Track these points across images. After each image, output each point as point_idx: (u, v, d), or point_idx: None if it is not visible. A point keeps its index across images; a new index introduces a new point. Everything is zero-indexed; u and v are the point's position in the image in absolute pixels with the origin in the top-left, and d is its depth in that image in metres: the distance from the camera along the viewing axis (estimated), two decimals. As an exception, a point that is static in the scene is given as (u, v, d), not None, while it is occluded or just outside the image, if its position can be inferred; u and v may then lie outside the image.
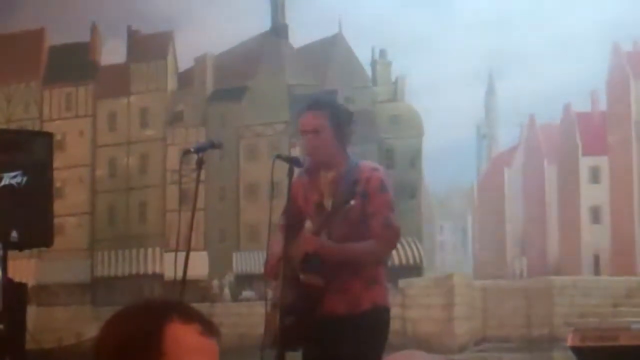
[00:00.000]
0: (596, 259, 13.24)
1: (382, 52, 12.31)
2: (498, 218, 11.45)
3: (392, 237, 6.57)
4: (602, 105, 12.23)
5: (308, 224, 6.76)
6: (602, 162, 12.19)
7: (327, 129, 6.65)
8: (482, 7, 11.02)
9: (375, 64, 12.36)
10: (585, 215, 12.42)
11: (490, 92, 11.06)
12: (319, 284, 6.46)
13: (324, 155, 6.64)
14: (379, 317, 6.55)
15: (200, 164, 6.62)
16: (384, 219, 6.43)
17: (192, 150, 6.50)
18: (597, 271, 13.93)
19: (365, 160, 7.26)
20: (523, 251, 11.31)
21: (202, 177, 11.33)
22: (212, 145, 6.92)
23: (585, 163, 12.11)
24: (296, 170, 6.62)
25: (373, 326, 6.49)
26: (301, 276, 6.45)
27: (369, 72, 12.37)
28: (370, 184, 6.51)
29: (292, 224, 6.76)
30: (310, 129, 6.64)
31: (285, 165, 6.51)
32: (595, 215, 12.55)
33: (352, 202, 6.34)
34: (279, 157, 6.50)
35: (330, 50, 12.48)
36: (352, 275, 6.51)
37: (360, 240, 6.48)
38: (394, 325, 12.19)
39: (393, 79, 12.29)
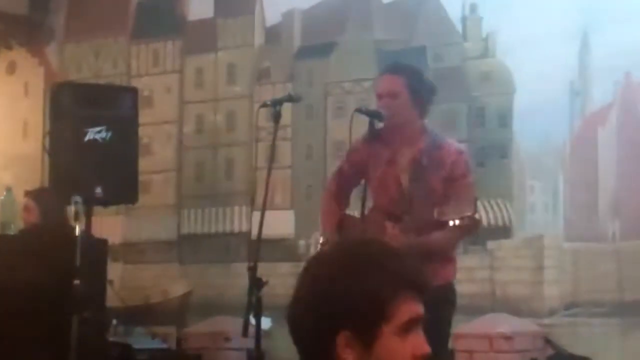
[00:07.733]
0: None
1: (473, 7, 12.02)
2: (591, 178, 11.02)
3: (471, 227, 6.31)
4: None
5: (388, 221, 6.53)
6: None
7: (404, 94, 6.49)
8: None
9: (466, 19, 12.03)
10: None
11: (584, 48, 10.58)
12: None
13: (399, 119, 6.51)
14: (450, 291, 6.72)
15: (277, 117, 6.33)
16: None
17: (268, 103, 6.34)
18: (695, 234, 13.64)
19: (448, 131, 7.31)
20: (616, 212, 10.90)
21: (289, 135, 11.46)
22: (290, 99, 6.77)
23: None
24: (365, 136, 6.59)
25: (446, 299, 6.64)
26: None
27: (458, 28, 11.87)
28: (456, 170, 6.46)
29: (345, 188, 6.86)
30: (386, 93, 6.50)
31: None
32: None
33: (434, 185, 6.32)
34: (358, 110, 6.41)
35: (419, 6, 12.04)
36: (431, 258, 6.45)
37: (436, 224, 6.30)
38: (483, 287, 11.37)
39: (484, 35, 11.93)
